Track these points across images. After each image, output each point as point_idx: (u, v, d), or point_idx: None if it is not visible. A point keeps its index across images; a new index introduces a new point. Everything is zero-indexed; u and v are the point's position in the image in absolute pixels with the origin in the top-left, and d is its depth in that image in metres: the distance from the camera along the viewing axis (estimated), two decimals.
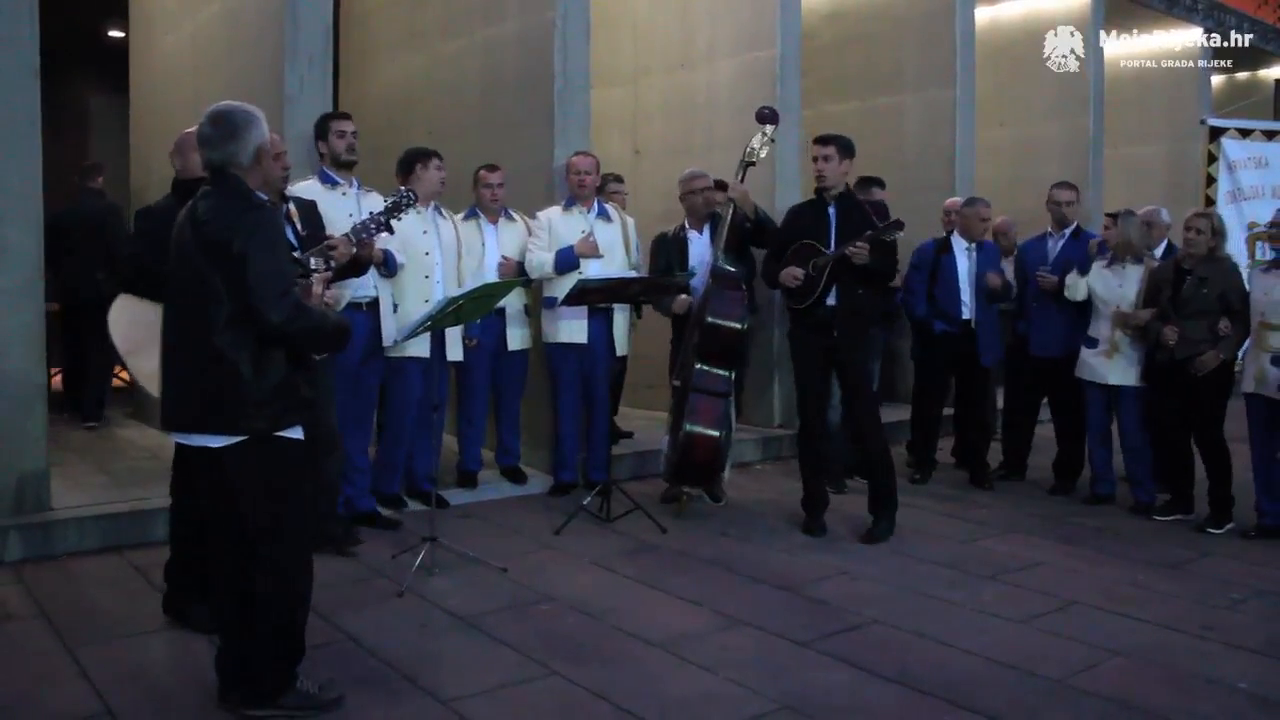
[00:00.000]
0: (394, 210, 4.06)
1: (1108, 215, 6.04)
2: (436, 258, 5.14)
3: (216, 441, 2.91)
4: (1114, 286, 5.58)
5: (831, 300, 4.98)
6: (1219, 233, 5.33)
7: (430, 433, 5.15)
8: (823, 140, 5.06)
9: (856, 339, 5.07)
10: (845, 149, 5.05)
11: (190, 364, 2.92)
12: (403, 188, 4.33)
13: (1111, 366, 5.59)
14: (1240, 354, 5.36)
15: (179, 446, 3.13)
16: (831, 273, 4.92)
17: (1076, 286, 5.69)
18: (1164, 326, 5.27)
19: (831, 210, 5.04)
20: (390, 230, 4.19)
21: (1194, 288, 5.24)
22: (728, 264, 5.37)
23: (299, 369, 3.02)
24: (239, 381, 2.87)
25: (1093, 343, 5.67)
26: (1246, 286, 5.29)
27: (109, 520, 4.63)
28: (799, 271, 4.99)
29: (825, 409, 5.41)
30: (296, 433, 3.02)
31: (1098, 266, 5.68)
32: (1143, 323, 5.40)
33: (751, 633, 3.80)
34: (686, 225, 5.74)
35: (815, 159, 5.05)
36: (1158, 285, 5.41)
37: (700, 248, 5.68)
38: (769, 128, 5.41)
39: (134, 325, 3.58)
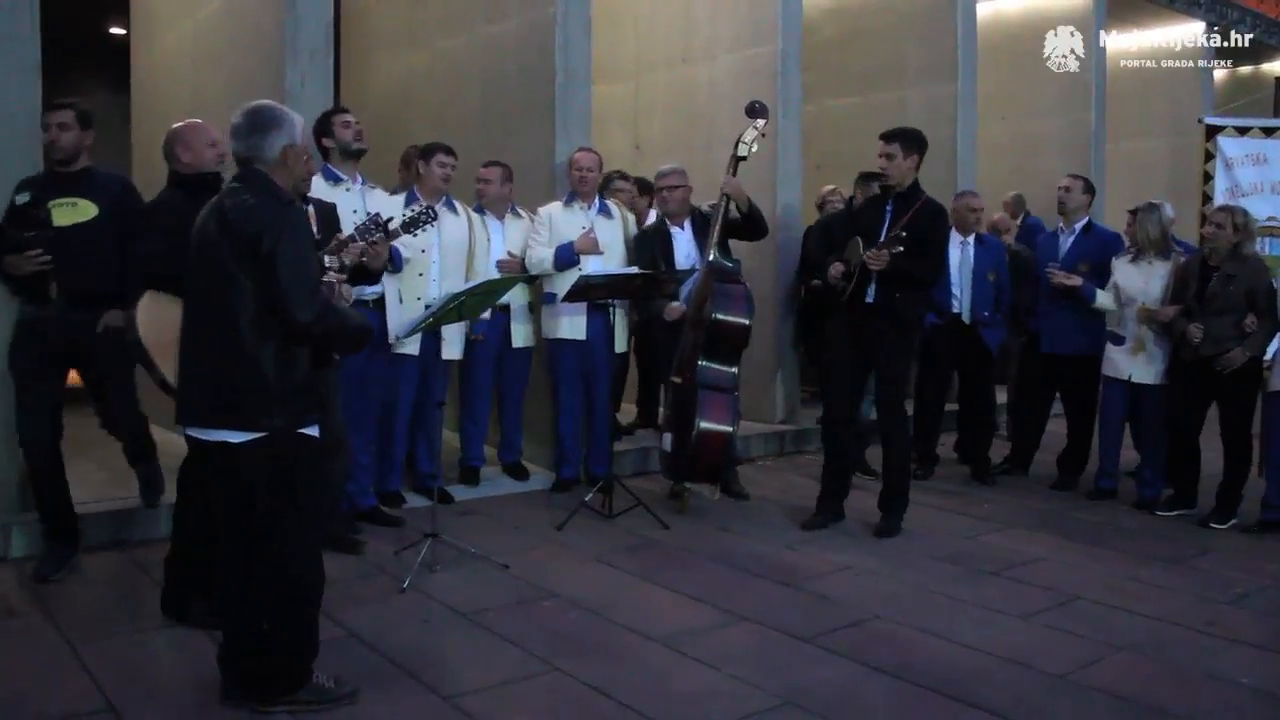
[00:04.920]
0: (411, 225, 4.10)
1: (1129, 212, 6.02)
2: (434, 255, 5.12)
3: (236, 437, 2.90)
4: (1140, 283, 5.55)
5: (871, 299, 4.96)
6: (1242, 228, 5.24)
7: (430, 430, 5.16)
8: (886, 137, 5.03)
9: (889, 339, 4.99)
10: (910, 143, 5.00)
11: (212, 360, 2.91)
12: (427, 204, 4.34)
13: (1136, 363, 5.57)
14: (1271, 353, 5.31)
15: (190, 441, 3.09)
16: (865, 271, 4.89)
17: (1102, 302, 5.67)
18: (1188, 324, 5.23)
19: (889, 207, 5.03)
20: (387, 235, 4.11)
21: (1220, 284, 5.19)
22: (723, 259, 5.37)
23: (319, 368, 3.03)
24: (262, 378, 2.87)
25: (1119, 339, 5.64)
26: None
27: (111, 517, 4.63)
28: (839, 267, 4.99)
29: (848, 403, 5.35)
30: (313, 430, 3.03)
31: (1124, 262, 5.65)
32: (1168, 319, 5.37)
33: (753, 628, 3.80)
34: (667, 221, 5.72)
35: (880, 155, 5.02)
36: (1184, 281, 5.37)
37: (685, 243, 5.66)
38: (760, 122, 5.41)
39: (162, 323, 3.36)
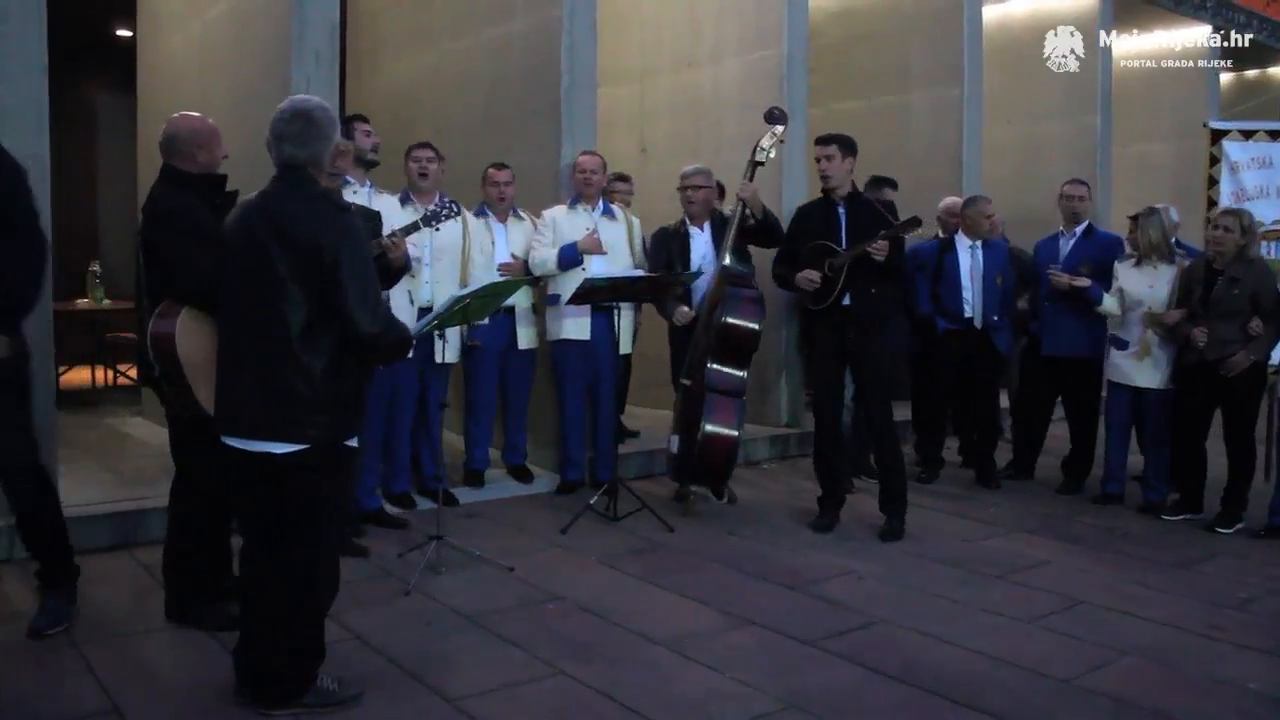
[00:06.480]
0: (432, 218, 4.18)
1: (1130, 218, 6.00)
2: (426, 257, 5.11)
3: (281, 449, 2.84)
4: (1145, 287, 5.53)
5: (846, 300, 4.98)
6: (1249, 231, 5.21)
7: (432, 431, 5.16)
8: (823, 140, 5.07)
9: (873, 338, 5.04)
10: (847, 147, 5.04)
11: (260, 370, 2.82)
12: (448, 198, 4.37)
13: (1140, 369, 5.55)
14: (1277, 357, 5.27)
15: (220, 447, 2.97)
16: (847, 273, 4.92)
17: (1107, 306, 5.64)
18: (1194, 328, 5.22)
19: (841, 210, 5.04)
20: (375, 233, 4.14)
21: (1225, 288, 5.17)
22: (737, 264, 5.37)
23: (365, 378, 2.98)
24: (314, 390, 2.80)
25: (1123, 344, 5.62)
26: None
27: (116, 518, 4.64)
28: (815, 274, 4.99)
29: (841, 410, 5.37)
30: (353, 441, 3.00)
31: (1127, 267, 5.63)
32: (1173, 323, 5.35)
33: (757, 632, 3.79)
34: (687, 221, 5.74)
35: (818, 159, 5.05)
36: (1189, 285, 5.36)
37: (702, 244, 5.68)
38: (779, 128, 5.42)
39: (199, 345, 3.22)
